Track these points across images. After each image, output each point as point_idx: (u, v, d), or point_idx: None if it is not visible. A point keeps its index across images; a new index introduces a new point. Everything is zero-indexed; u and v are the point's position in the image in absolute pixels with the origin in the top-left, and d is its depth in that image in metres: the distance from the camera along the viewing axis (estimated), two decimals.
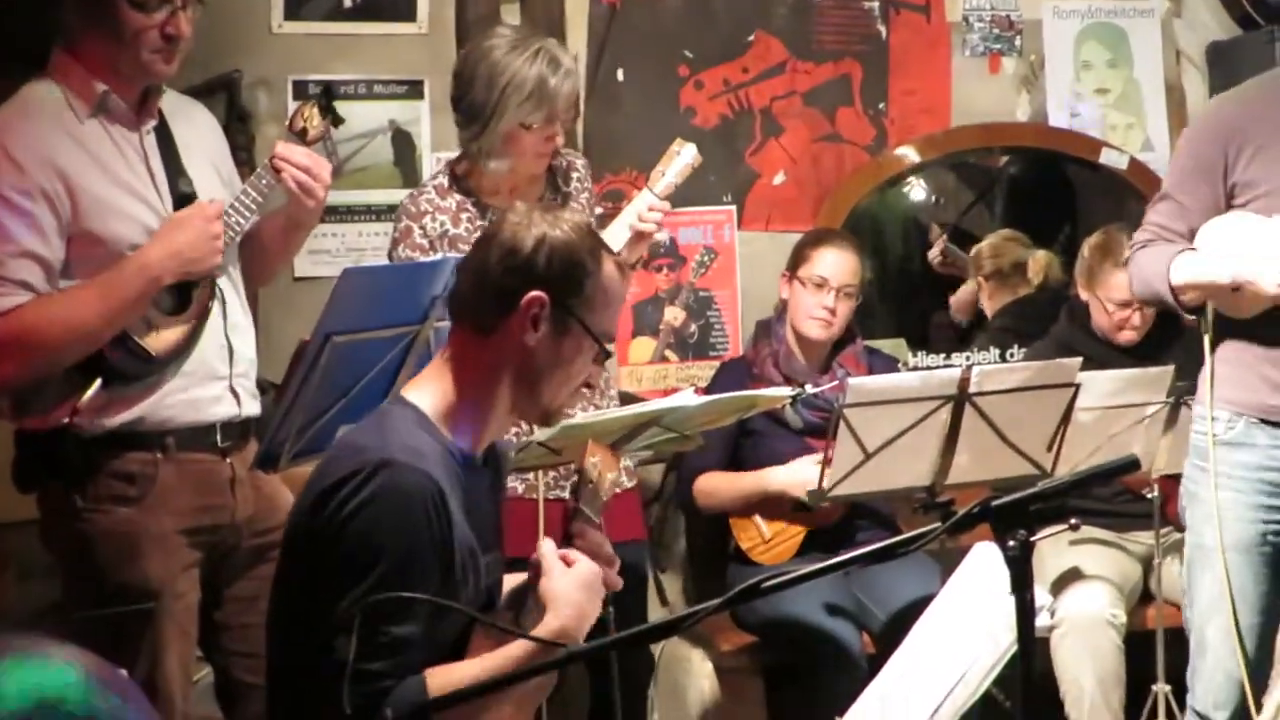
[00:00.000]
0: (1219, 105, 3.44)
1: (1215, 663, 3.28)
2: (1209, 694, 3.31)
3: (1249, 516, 3.24)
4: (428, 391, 2.35)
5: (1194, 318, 3.30)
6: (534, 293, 2.29)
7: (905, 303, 5.22)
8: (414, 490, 2.19)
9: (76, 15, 2.92)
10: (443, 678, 2.18)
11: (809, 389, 3.98)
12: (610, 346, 2.44)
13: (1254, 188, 3.17)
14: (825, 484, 3.56)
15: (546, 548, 2.34)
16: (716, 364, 4.41)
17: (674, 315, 4.48)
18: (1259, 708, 3.36)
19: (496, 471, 2.53)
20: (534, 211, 2.41)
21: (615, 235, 3.57)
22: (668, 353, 4.47)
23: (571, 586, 2.31)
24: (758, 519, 4.12)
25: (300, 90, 4.06)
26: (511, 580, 2.55)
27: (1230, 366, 3.27)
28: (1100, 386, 3.83)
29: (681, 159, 3.62)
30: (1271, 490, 3.23)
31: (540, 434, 3.31)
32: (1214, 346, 3.27)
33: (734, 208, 4.52)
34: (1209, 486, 3.24)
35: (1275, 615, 3.31)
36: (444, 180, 3.62)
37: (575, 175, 3.77)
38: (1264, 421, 3.22)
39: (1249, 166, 3.18)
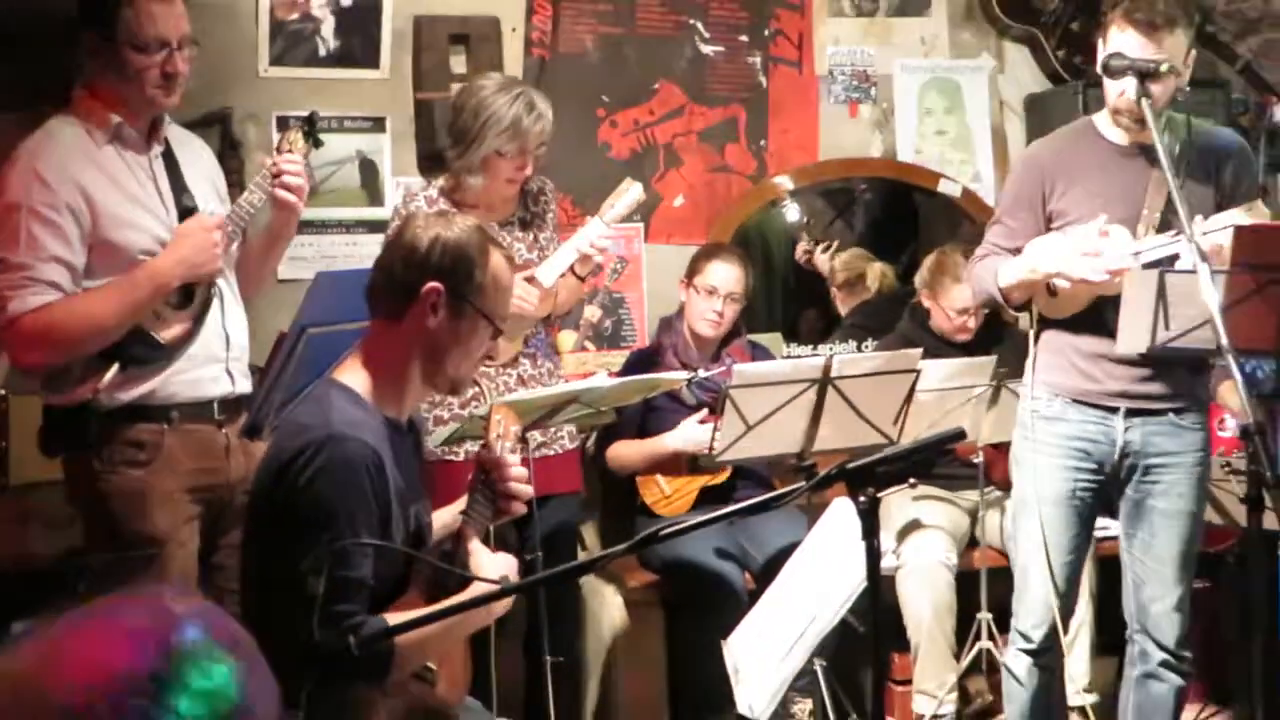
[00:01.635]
0: (1037, 149, 3.45)
1: (1035, 593, 3.31)
2: (1029, 616, 3.33)
3: (1062, 476, 3.26)
4: (355, 373, 2.37)
5: (1019, 314, 3.35)
6: (431, 284, 2.31)
7: (781, 303, 5.25)
8: (356, 457, 2.22)
9: (91, 59, 2.91)
10: (399, 616, 2.20)
11: (701, 373, 4.01)
12: (503, 325, 2.44)
13: (1065, 216, 3.22)
14: (715, 450, 3.58)
15: (475, 545, 2.41)
16: (626, 353, 4.41)
17: (592, 313, 4.48)
18: (1066, 628, 3.42)
19: (416, 435, 2.56)
20: (431, 217, 2.45)
21: (564, 255, 3.58)
22: (587, 343, 4.47)
23: (494, 564, 2.37)
24: (659, 478, 4.14)
25: (283, 124, 4.01)
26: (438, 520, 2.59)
27: (1049, 355, 3.29)
28: (936, 372, 3.86)
29: (629, 196, 3.66)
30: (1081, 455, 3.25)
31: (480, 409, 3.33)
32: (1036, 339, 3.31)
33: (642, 225, 4.52)
34: (1032, 452, 3.29)
35: (1082, 555, 3.36)
36: (434, 193, 3.64)
37: (544, 198, 3.78)
38: (1075, 401, 3.25)
39: (1061, 199, 3.23)
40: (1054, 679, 3.40)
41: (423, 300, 2.32)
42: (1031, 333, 3.31)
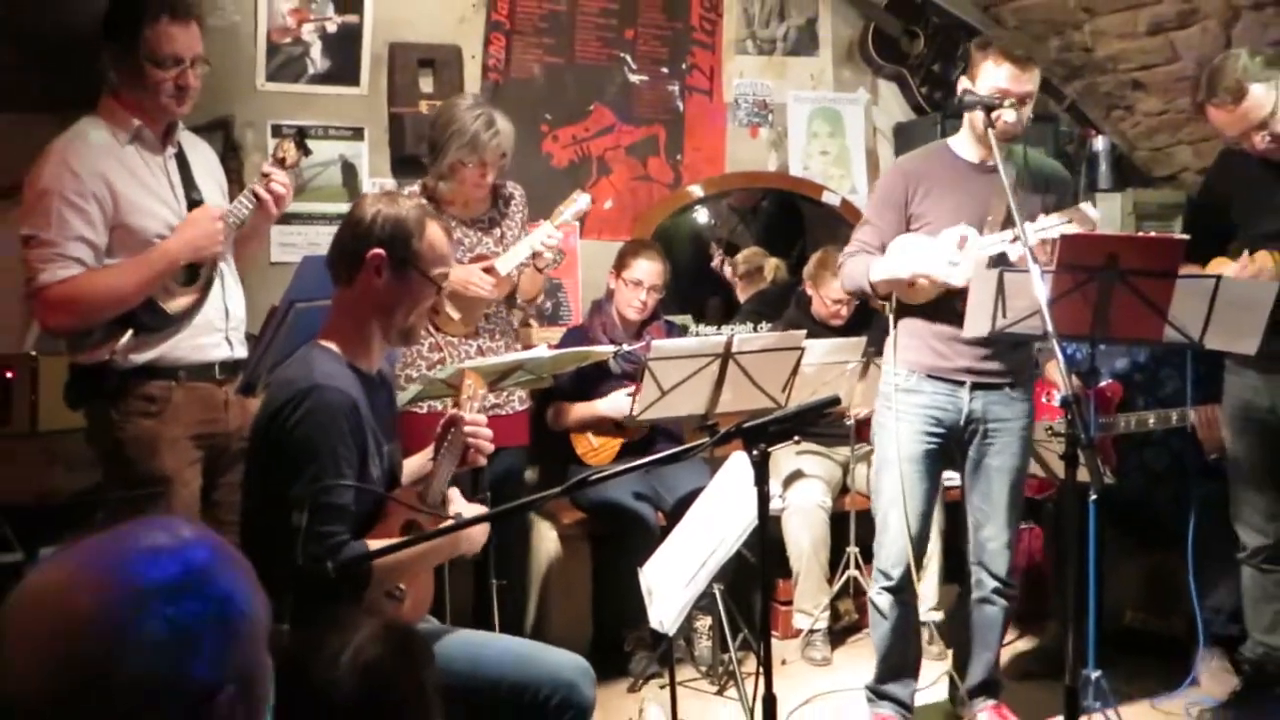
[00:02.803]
0: (903, 161, 3.46)
1: (894, 538, 3.32)
2: (889, 557, 3.34)
3: (917, 439, 3.29)
4: (330, 336, 2.36)
5: (883, 302, 3.38)
6: (374, 251, 2.30)
7: (691, 291, 5.27)
8: (336, 404, 2.21)
9: (116, 71, 2.86)
10: (378, 544, 2.20)
11: (625, 348, 4.03)
12: (444, 282, 2.43)
13: (923, 218, 3.24)
14: (635, 411, 3.59)
15: (455, 494, 2.42)
16: (563, 329, 4.40)
17: None
18: (920, 567, 3.46)
19: (389, 388, 2.54)
20: (379, 197, 2.43)
21: (520, 250, 3.57)
22: (531, 321, 4.46)
23: (463, 508, 2.37)
24: (589, 434, 4.16)
25: (276, 131, 3.96)
26: (411, 465, 2.57)
27: (907, 338, 3.31)
28: (817, 350, 3.90)
29: (578, 205, 3.65)
30: (933, 421, 3.28)
31: (439, 373, 3.31)
32: (896, 323, 3.33)
33: (578, 224, 4.50)
34: (893, 419, 3.31)
35: (932, 504, 3.40)
36: (416, 189, 3.59)
37: (514, 201, 3.74)
38: (929, 376, 3.28)
39: (921, 204, 3.25)
40: (910, 609, 3.41)
41: (368, 265, 2.31)
42: (892, 317, 3.32)
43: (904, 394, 3.29)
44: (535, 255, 3.57)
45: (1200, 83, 3.20)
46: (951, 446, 3.33)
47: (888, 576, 3.35)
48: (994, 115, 3.03)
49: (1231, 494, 3.47)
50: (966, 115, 3.21)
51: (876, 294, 3.32)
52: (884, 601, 3.38)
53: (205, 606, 1.08)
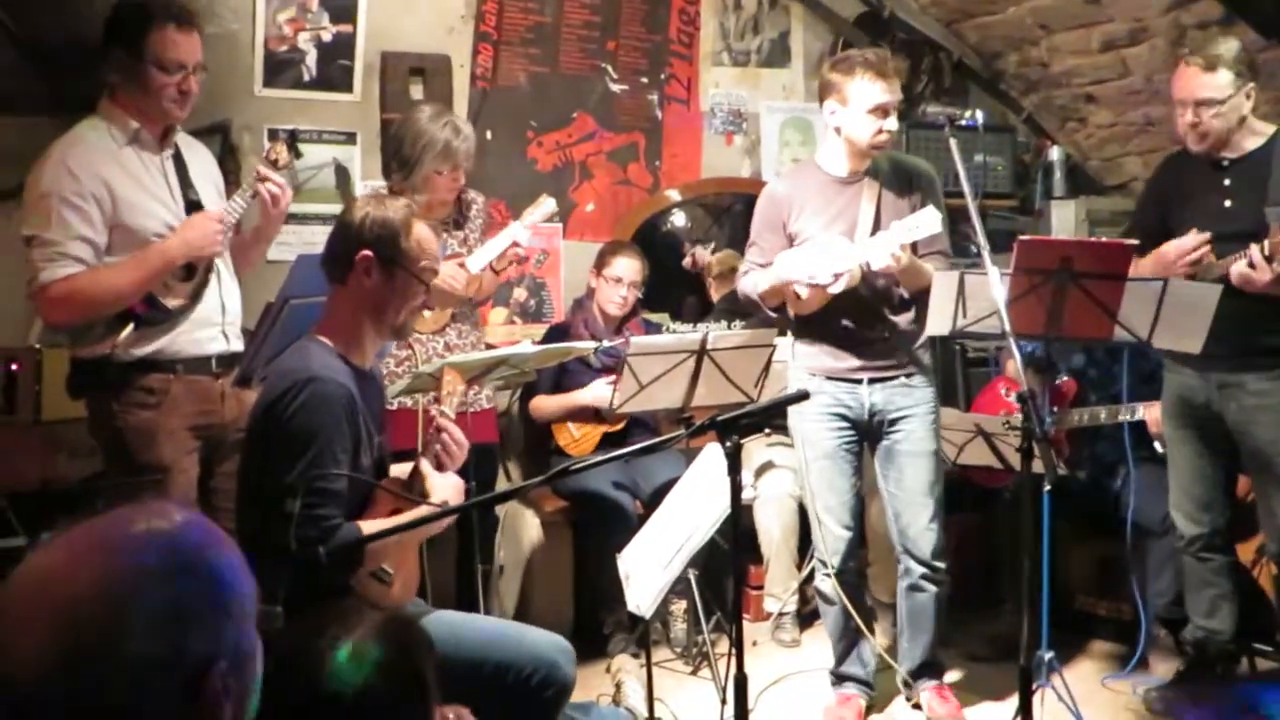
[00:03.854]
0: (774, 186, 3.46)
1: (827, 530, 3.33)
2: (826, 547, 3.36)
3: (828, 437, 3.30)
4: (325, 331, 2.34)
5: (776, 314, 3.38)
6: (363, 252, 2.29)
7: (668, 290, 5.26)
8: (333, 395, 2.20)
9: (117, 74, 2.83)
10: (369, 527, 2.19)
11: (605, 343, 4.02)
12: (430, 278, 2.40)
13: (801, 235, 3.27)
14: (615, 403, 3.58)
15: (425, 467, 2.37)
16: (546, 326, 4.39)
17: (519, 294, 4.47)
18: (857, 552, 3.43)
19: (378, 380, 2.53)
20: (368, 199, 2.41)
21: (491, 249, 3.55)
22: (515, 318, 4.45)
23: (445, 485, 2.35)
24: (570, 425, 4.14)
25: (273, 135, 3.94)
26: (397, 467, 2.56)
27: (805, 344, 3.35)
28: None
29: (544, 208, 3.63)
30: (839, 419, 3.30)
31: (426, 368, 3.30)
32: (796, 335, 3.36)
33: (561, 225, 4.51)
34: (801, 422, 3.34)
35: (857, 496, 3.39)
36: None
37: (475, 207, 3.73)
38: (829, 377, 3.30)
39: (797, 222, 3.28)
40: (856, 590, 3.42)
41: (358, 266, 2.30)
42: (790, 329, 3.36)
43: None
44: (501, 255, 3.55)
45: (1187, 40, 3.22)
46: (863, 440, 3.36)
47: (826, 565, 3.37)
48: (879, 127, 3.12)
49: (1169, 486, 3.50)
50: (838, 131, 3.21)
51: (767, 305, 3.35)
52: (827, 587, 3.40)
53: (198, 585, 1.08)
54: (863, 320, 3.26)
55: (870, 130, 3.15)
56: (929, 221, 3.01)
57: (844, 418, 3.30)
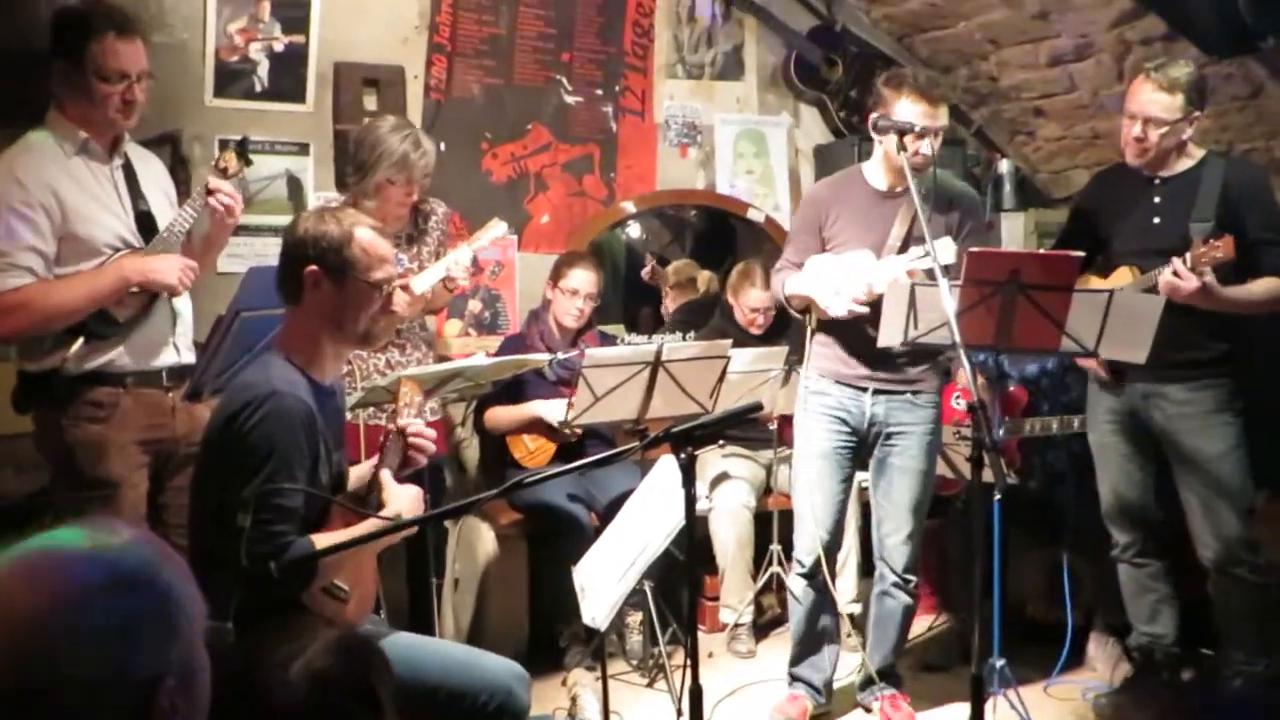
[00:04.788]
0: (817, 188, 3.55)
1: (807, 528, 3.39)
2: (803, 546, 3.42)
3: (826, 437, 3.36)
4: (284, 346, 2.33)
5: (801, 316, 3.44)
6: (309, 268, 2.28)
7: (624, 301, 5.28)
8: (292, 410, 2.18)
9: (63, 85, 2.81)
10: (323, 541, 2.17)
11: (560, 355, 4.02)
12: (386, 284, 2.36)
13: (834, 240, 3.33)
14: (570, 416, 3.57)
15: (385, 476, 2.36)
16: (501, 338, 4.37)
17: (474, 306, 4.46)
18: (833, 556, 3.50)
19: (338, 395, 2.51)
20: (309, 215, 2.38)
21: (436, 271, 3.49)
22: (470, 330, 4.44)
23: (403, 495, 2.34)
24: (525, 437, 4.12)
25: (224, 145, 3.86)
26: (355, 472, 2.55)
27: (820, 347, 3.39)
28: (742, 358, 3.91)
29: (494, 231, 3.60)
30: (839, 422, 3.36)
31: (381, 381, 3.28)
32: (813, 334, 3.40)
33: (515, 237, 4.50)
34: (805, 418, 3.39)
35: (844, 497, 3.45)
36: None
37: (434, 217, 3.68)
38: (837, 381, 3.36)
39: (833, 226, 3.34)
40: (824, 595, 3.47)
41: (307, 282, 2.29)
42: (810, 329, 3.40)
43: (814, 395, 3.38)
44: (447, 278, 3.52)
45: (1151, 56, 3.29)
46: (859, 447, 3.41)
47: (802, 564, 3.42)
48: (910, 146, 3.10)
49: (1100, 494, 3.56)
50: (880, 145, 3.27)
51: (791, 307, 3.41)
52: (798, 586, 3.46)
53: (144, 602, 1.07)
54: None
55: (893, 145, 3.15)
56: (943, 253, 3.02)
57: (845, 422, 3.36)
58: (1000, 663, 3.32)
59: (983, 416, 2.60)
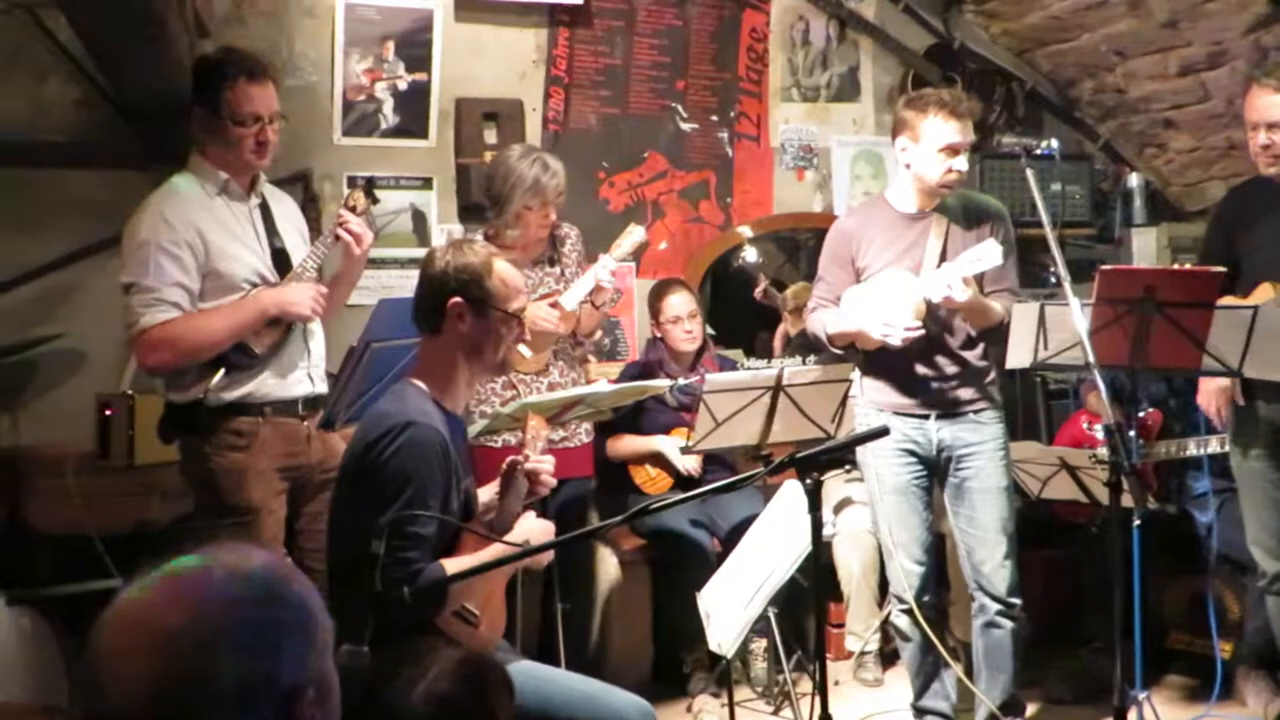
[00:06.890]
0: (843, 221, 3.49)
1: (897, 565, 3.32)
2: (896, 582, 3.35)
3: (897, 473, 3.29)
4: (420, 377, 2.38)
5: (842, 350, 3.38)
6: (453, 300, 2.32)
7: (742, 326, 5.25)
8: (429, 440, 2.22)
9: (203, 129, 2.93)
10: (453, 566, 2.21)
11: (681, 381, 4.03)
12: (522, 313, 2.43)
13: (870, 268, 3.28)
14: (691, 442, 3.56)
15: (526, 514, 2.43)
16: (622, 365, 4.41)
17: (595, 333, 4.49)
18: (929, 589, 3.36)
19: (463, 423, 2.56)
20: (446, 248, 2.44)
21: (583, 284, 3.58)
22: (590, 357, 4.48)
23: (534, 526, 2.37)
24: (647, 465, 4.15)
25: (352, 182, 4.04)
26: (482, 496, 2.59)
27: (873, 379, 3.34)
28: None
29: (633, 236, 3.66)
30: (908, 455, 3.29)
31: (505, 410, 3.33)
32: (864, 370, 3.35)
33: (634, 264, 4.54)
34: (872, 457, 3.32)
35: (931, 531, 3.35)
36: (479, 238, 3.61)
37: (569, 241, 3.77)
38: (897, 413, 3.29)
39: (864, 257, 3.30)
40: (936, 625, 3.37)
41: (450, 314, 2.34)
42: (858, 365, 3.35)
43: None
44: (595, 290, 3.58)
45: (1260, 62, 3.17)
46: (933, 475, 3.34)
47: (900, 600, 3.35)
48: (949, 166, 3.14)
49: (1245, 521, 3.39)
50: (908, 167, 3.23)
51: (834, 345, 3.37)
52: (903, 623, 3.38)
53: (285, 611, 1.11)
54: (930, 357, 3.26)
55: (940, 169, 3.16)
56: (990, 255, 3.00)
57: (913, 454, 3.29)
58: (1143, 695, 3.18)
59: (1120, 439, 2.51)
